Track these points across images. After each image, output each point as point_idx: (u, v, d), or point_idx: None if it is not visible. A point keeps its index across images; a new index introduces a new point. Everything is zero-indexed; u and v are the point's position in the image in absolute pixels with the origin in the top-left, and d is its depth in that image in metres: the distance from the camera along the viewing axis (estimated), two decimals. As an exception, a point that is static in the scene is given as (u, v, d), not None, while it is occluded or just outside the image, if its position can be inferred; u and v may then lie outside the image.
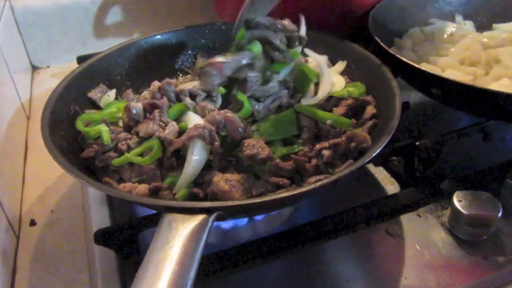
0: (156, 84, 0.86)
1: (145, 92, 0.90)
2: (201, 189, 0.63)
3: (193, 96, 0.76)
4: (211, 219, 0.50)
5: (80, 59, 1.10)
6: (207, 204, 0.52)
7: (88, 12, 1.27)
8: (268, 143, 0.68)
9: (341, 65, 0.88)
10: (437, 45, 1.02)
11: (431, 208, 0.78)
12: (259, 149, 0.63)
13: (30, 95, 1.16)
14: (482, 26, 1.10)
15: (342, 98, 0.78)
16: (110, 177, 0.66)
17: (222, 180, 0.61)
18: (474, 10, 1.12)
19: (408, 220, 0.76)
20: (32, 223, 0.79)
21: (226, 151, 0.67)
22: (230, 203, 0.56)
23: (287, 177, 0.65)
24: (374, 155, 0.60)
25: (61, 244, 0.74)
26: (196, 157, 0.63)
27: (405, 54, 0.99)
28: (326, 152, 0.66)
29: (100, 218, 0.76)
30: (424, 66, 0.92)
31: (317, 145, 0.68)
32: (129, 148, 0.68)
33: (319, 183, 0.56)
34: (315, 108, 0.75)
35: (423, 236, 0.73)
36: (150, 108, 0.72)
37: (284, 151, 0.67)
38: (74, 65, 1.16)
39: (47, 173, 0.90)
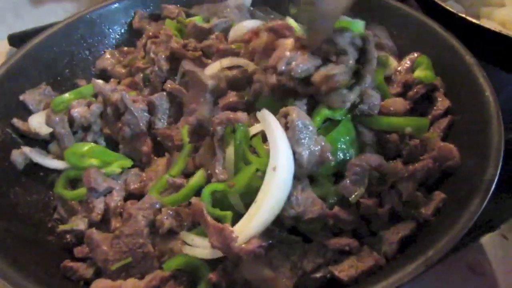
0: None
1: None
2: (224, 273, 0.39)
3: None
4: None
5: (13, 39, 0.91)
6: None
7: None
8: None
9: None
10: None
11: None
12: (306, 206, 0.40)
13: None
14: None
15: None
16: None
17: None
18: None
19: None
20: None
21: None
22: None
23: (349, 232, 0.42)
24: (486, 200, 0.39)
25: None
26: None
27: (450, 6, 0.74)
28: (405, 187, 0.43)
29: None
30: (481, 22, 0.68)
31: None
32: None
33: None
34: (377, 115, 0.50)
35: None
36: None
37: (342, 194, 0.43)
38: (4, 45, 0.92)
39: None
